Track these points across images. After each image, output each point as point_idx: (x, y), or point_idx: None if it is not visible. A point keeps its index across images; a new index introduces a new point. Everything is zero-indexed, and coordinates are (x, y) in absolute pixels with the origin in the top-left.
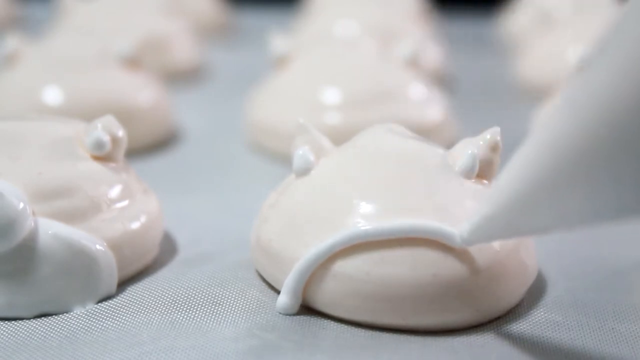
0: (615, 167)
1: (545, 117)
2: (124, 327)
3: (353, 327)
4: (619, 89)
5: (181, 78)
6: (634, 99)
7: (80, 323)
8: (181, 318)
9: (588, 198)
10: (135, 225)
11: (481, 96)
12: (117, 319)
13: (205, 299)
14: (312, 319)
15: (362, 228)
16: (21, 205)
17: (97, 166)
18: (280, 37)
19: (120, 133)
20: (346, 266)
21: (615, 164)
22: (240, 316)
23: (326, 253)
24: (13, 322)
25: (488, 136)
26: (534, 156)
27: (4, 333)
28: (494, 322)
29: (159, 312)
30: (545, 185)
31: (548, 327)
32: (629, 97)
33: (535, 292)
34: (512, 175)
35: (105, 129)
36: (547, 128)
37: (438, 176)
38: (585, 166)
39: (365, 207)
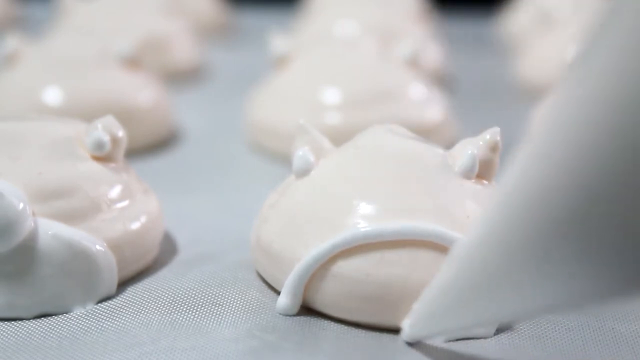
0: (541, 266)
1: (481, 211)
2: (124, 327)
3: (353, 328)
4: (551, 185)
5: (181, 78)
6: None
7: (80, 323)
8: (181, 318)
9: (516, 295)
10: (135, 225)
11: (481, 96)
12: (117, 319)
13: (205, 299)
14: (312, 319)
15: (362, 230)
16: (21, 205)
17: (97, 166)
18: (280, 37)
19: (120, 133)
20: (346, 267)
21: (540, 262)
22: (240, 317)
23: (326, 254)
24: (13, 322)
25: (488, 136)
26: (464, 254)
27: (4, 333)
28: None
29: (159, 313)
30: (473, 282)
31: (548, 326)
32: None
33: None
34: (444, 272)
35: (106, 129)
36: (478, 225)
37: (438, 176)
38: (514, 264)
39: (365, 208)
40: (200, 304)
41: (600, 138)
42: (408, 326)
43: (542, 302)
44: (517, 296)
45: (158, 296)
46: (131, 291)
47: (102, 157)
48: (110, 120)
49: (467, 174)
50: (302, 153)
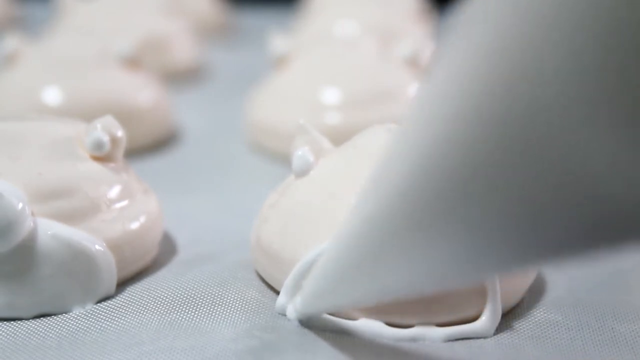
0: (424, 240)
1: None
2: (123, 327)
3: None
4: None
5: (181, 78)
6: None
7: (80, 323)
8: (180, 318)
9: (400, 271)
10: (135, 225)
11: None
12: (117, 319)
13: (205, 299)
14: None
15: None
16: (20, 205)
17: (96, 166)
18: (280, 37)
19: (120, 133)
20: None
21: (423, 237)
22: (240, 317)
23: None
24: (12, 322)
25: None
26: (348, 230)
27: (3, 333)
28: None
29: (158, 313)
30: (357, 259)
31: (548, 326)
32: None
33: (535, 291)
34: (331, 249)
35: (105, 129)
36: (360, 202)
37: None
38: (395, 241)
39: None
40: (200, 303)
41: (482, 116)
42: (298, 304)
43: (427, 277)
44: (401, 272)
45: (157, 296)
46: (130, 291)
47: (102, 157)
48: (109, 120)
49: None
50: (301, 153)
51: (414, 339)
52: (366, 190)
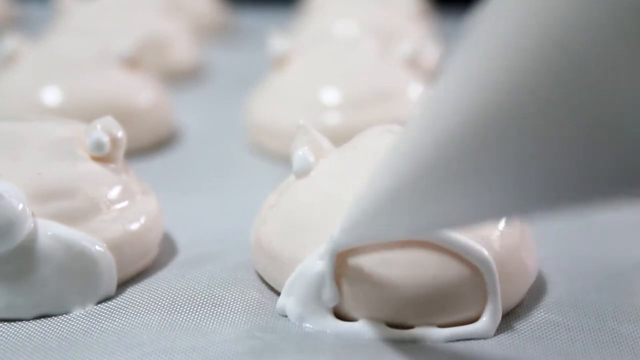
0: (466, 176)
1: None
2: (124, 328)
3: None
4: (468, 99)
5: (181, 78)
6: (482, 112)
7: (80, 324)
8: (181, 319)
9: (444, 204)
10: (134, 226)
11: None
12: (117, 320)
13: (205, 300)
14: None
15: None
16: (20, 206)
17: (96, 167)
18: (279, 37)
19: (120, 134)
20: (346, 268)
21: (465, 173)
22: (240, 317)
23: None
24: (12, 323)
25: None
26: (394, 163)
27: (4, 334)
28: None
29: (158, 313)
30: (402, 191)
31: (548, 327)
32: (477, 109)
33: (536, 292)
34: (374, 181)
35: (105, 129)
36: (406, 135)
37: None
38: (440, 174)
39: None
40: (200, 304)
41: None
42: (337, 235)
43: (461, 214)
44: (437, 207)
45: (158, 297)
46: (131, 292)
47: (102, 157)
48: (109, 120)
49: None
50: (302, 153)
51: (414, 340)
52: (409, 126)
